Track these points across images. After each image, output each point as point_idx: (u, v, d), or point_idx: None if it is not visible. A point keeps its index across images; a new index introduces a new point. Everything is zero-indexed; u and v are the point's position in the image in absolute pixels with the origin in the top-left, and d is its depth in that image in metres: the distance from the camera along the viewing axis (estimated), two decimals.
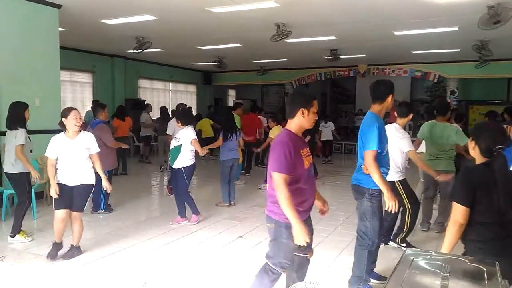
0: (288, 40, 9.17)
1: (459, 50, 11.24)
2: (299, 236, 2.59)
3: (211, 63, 14.10)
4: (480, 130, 2.56)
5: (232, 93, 20.87)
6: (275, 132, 8.22)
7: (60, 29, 7.24)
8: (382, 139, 3.44)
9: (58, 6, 7.02)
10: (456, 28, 8.46)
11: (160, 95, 15.92)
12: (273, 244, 2.84)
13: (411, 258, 2.03)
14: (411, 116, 4.66)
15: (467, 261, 1.99)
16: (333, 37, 9.75)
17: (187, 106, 9.16)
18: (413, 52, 11.80)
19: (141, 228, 5.59)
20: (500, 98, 15.13)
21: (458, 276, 1.84)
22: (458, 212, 2.41)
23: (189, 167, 5.73)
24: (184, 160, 5.68)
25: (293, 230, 2.62)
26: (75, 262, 4.33)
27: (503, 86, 15.34)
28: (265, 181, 8.11)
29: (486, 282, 1.79)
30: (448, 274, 1.80)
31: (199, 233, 5.42)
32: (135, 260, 4.42)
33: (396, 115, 4.65)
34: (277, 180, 2.63)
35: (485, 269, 1.89)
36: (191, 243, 5.03)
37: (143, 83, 15.02)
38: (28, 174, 5.06)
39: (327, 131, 11.83)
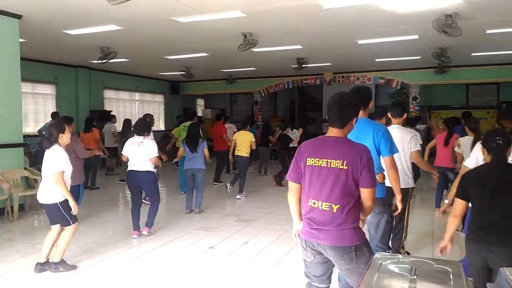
0: (255, 49, 9.23)
1: (419, 57, 11.62)
2: None
3: (178, 73, 14.00)
4: None
5: (200, 102, 20.76)
6: (241, 136, 8.28)
7: (20, 40, 7.02)
8: None
9: (18, 17, 6.81)
10: (416, 36, 8.76)
11: (126, 105, 15.64)
12: (354, 270, 2.47)
13: (380, 262, 2.08)
14: (405, 115, 4.71)
15: (433, 263, 2.05)
16: (299, 46, 9.89)
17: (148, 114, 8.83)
18: (376, 60, 12.12)
19: (109, 242, 5.44)
20: (460, 103, 15.75)
21: (425, 278, 1.89)
22: None
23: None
24: None
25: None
26: (39, 281, 4.17)
27: (463, 92, 15.98)
28: (239, 191, 8.20)
29: (452, 282, 1.85)
30: (415, 277, 1.85)
31: (170, 244, 5.34)
32: (104, 277, 4.30)
33: (390, 116, 4.65)
34: (374, 195, 2.46)
35: (450, 270, 1.95)
36: (162, 255, 4.95)
37: (109, 93, 14.73)
38: None
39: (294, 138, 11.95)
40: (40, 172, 7.58)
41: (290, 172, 2.65)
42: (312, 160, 2.48)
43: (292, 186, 2.66)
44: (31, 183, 7.19)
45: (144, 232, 5.67)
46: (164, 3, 6.29)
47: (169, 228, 5.97)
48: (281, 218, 6.62)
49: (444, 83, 14.44)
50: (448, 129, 6.89)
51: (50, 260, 4.34)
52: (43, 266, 4.30)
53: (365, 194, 2.42)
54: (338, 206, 2.40)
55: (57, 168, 4.10)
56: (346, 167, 2.38)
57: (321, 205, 2.44)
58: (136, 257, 4.87)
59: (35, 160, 9.94)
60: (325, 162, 2.43)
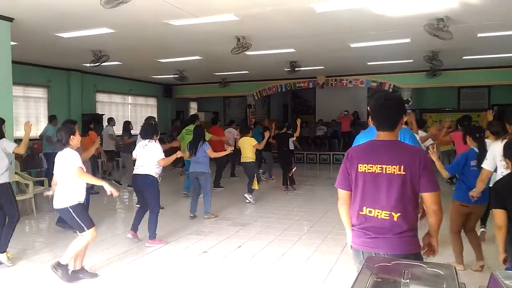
0: (248, 53, 9.24)
1: (412, 60, 11.70)
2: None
3: (171, 76, 13.97)
4: None
5: (193, 105, 20.71)
6: (243, 142, 8.32)
7: (12, 43, 6.96)
8: None
9: (10, 20, 6.76)
10: (408, 40, 8.82)
11: (119, 109, 15.57)
12: None
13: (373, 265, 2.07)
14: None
15: (426, 266, 2.05)
16: (292, 50, 9.91)
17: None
18: (369, 63, 12.18)
19: (102, 246, 5.40)
20: (451, 106, 15.87)
21: (417, 281, 1.89)
22: None
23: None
24: None
25: (435, 242, 2.43)
26: (31, 285, 4.12)
27: (454, 95, 16.11)
28: (248, 191, 8.19)
29: (444, 285, 1.85)
30: (408, 281, 1.85)
31: (163, 249, 5.31)
32: (96, 282, 4.26)
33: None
34: (438, 198, 2.30)
35: (443, 273, 1.95)
36: (155, 260, 4.91)
37: (101, 97, 14.66)
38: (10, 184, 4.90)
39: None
40: (31, 176, 7.56)
41: (340, 180, 2.47)
42: (365, 166, 2.33)
43: (343, 194, 2.48)
44: (22, 188, 7.12)
45: (147, 244, 5.49)
46: (157, 6, 6.27)
47: (162, 233, 5.93)
48: (275, 222, 6.62)
49: (436, 86, 14.54)
50: (463, 128, 6.94)
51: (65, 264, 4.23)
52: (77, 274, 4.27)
53: (428, 198, 2.28)
54: (399, 214, 2.27)
55: (75, 165, 4.12)
56: (404, 173, 2.25)
57: (380, 214, 2.30)
58: (128, 262, 4.84)
59: (26, 165, 9.86)
60: (380, 168, 2.29)
